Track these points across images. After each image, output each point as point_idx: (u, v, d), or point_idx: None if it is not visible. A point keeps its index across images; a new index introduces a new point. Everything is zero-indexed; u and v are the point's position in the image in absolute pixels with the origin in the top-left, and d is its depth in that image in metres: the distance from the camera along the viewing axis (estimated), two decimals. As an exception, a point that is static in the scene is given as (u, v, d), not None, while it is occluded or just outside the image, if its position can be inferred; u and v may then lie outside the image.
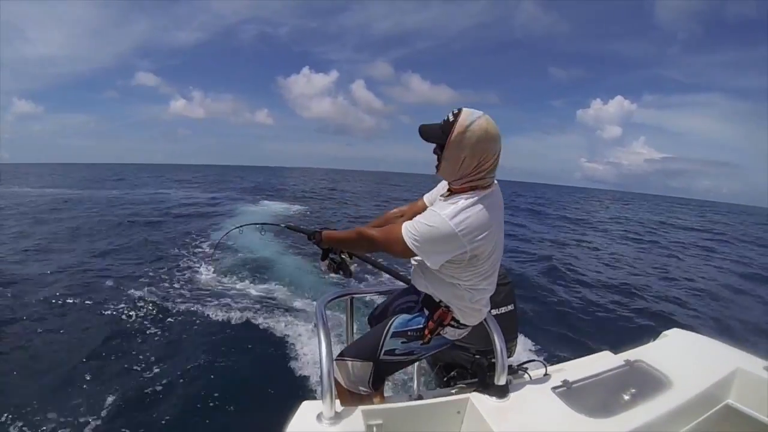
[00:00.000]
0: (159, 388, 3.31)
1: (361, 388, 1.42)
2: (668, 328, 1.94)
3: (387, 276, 1.78)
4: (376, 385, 1.45)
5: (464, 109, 1.17)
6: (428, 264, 1.22)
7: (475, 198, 1.17)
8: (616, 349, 1.81)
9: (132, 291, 5.48)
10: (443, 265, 1.22)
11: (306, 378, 3.46)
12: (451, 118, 1.16)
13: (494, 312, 1.58)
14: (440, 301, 1.34)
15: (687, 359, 1.69)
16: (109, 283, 5.88)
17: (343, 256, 1.56)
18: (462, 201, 1.17)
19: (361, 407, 1.25)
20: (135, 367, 3.62)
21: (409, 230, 1.19)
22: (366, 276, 5.93)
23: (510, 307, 1.74)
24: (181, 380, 3.44)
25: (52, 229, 10.16)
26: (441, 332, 1.36)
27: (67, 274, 6.33)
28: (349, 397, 1.41)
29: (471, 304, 1.32)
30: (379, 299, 1.84)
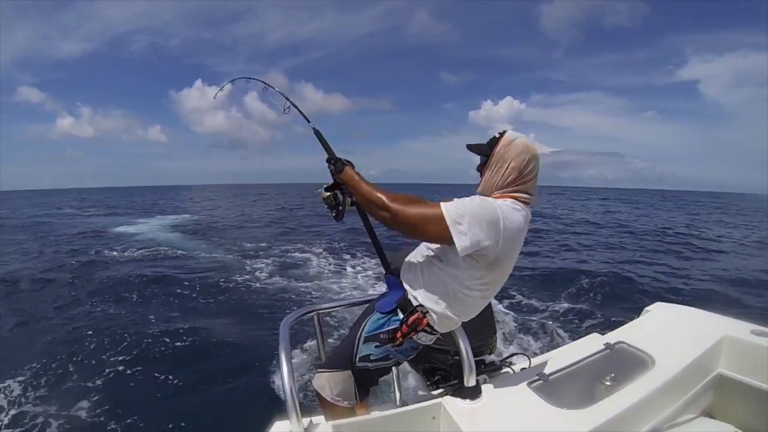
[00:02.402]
0: (119, 408, 3.25)
1: (345, 401, 1.39)
2: (651, 303, 1.89)
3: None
4: (362, 395, 1.43)
5: (508, 130, 1.32)
6: (458, 244, 1.14)
7: (519, 207, 1.23)
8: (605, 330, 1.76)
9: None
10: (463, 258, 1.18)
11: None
12: (497, 135, 1.32)
13: None
14: (418, 306, 1.31)
15: (671, 333, 1.63)
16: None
17: (347, 200, 1.45)
18: (509, 202, 1.23)
19: (331, 422, 1.24)
20: (93, 383, 3.58)
21: (454, 207, 1.17)
22: (329, 294, 5.92)
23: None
24: (149, 401, 3.37)
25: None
26: (414, 336, 1.33)
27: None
28: (334, 410, 1.39)
29: (450, 314, 1.29)
30: (347, 313, 1.80)
